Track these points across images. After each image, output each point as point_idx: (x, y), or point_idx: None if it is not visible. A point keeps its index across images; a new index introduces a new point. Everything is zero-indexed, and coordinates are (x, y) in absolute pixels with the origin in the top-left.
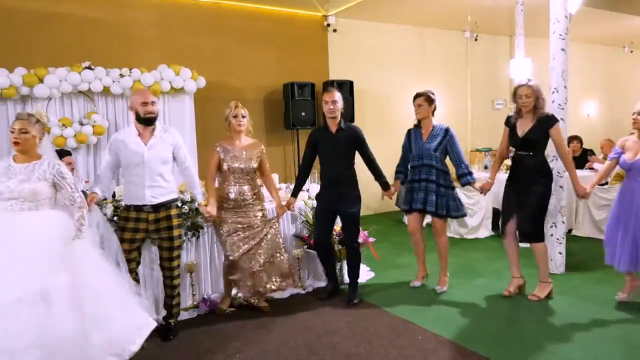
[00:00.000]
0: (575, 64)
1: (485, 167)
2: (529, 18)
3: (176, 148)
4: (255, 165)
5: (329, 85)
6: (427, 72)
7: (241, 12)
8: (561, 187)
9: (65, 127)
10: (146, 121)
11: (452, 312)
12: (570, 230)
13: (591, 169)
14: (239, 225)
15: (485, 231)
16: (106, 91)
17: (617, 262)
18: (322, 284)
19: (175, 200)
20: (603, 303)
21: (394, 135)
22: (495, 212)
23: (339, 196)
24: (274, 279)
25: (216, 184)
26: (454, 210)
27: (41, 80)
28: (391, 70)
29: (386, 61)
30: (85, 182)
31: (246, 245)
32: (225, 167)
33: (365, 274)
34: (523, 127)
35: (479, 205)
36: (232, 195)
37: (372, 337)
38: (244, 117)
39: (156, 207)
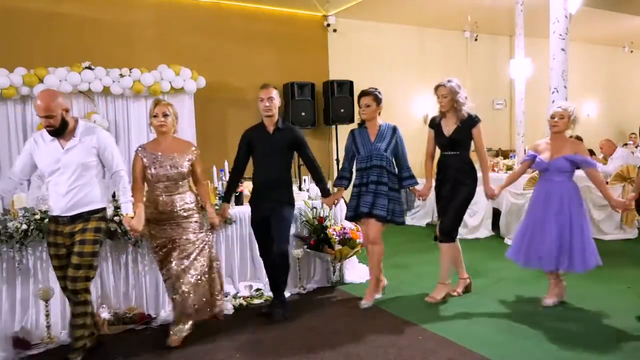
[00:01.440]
0: (575, 64)
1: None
2: (529, 18)
3: (101, 150)
4: (185, 170)
5: (329, 85)
6: (427, 72)
7: (241, 12)
8: None
9: None
10: (49, 133)
11: (452, 312)
12: None
13: None
14: (169, 239)
15: (485, 231)
16: (106, 91)
17: (538, 262)
18: (322, 284)
19: (99, 211)
20: (603, 302)
21: None
22: (495, 212)
23: (273, 201)
24: (204, 300)
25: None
26: (398, 216)
27: (41, 80)
28: (391, 70)
29: (386, 61)
30: None
31: (181, 261)
32: (149, 174)
33: (365, 274)
34: (448, 128)
35: (479, 205)
36: (159, 207)
37: (372, 338)
38: (166, 115)
39: (73, 219)
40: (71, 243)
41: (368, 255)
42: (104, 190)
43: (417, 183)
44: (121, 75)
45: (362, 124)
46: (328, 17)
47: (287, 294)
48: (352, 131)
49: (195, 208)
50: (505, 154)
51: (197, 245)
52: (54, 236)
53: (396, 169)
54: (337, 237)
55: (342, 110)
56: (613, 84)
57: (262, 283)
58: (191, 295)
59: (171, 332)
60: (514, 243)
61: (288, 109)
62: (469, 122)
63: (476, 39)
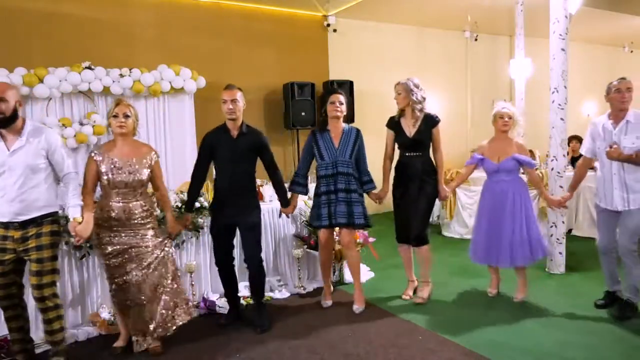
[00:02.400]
0: (575, 64)
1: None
2: (529, 18)
3: (50, 152)
4: (144, 177)
5: (329, 85)
6: (427, 72)
7: (241, 12)
8: (561, 187)
9: (65, 127)
10: None
11: (452, 312)
12: (570, 230)
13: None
14: (125, 247)
15: None
16: (106, 91)
17: (494, 259)
18: (322, 284)
19: (51, 215)
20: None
21: None
22: None
23: (237, 208)
24: (161, 313)
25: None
26: (369, 219)
27: (41, 80)
28: (391, 71)
29: (386, 61)
30: None
31: (129, 269)
32: (105, 180)
33: (366, 274)
34: (409, 129)
35: None
36: (114, 214)
37: (372, 337)
38: (127, 116)
39: (24, 224)
40: (24, 249)
41: (349, 262)
42: (55, 193)
43: (375, 187)
44: (121, 75)
45: (323, 125)
46: (328, 17)
47: (287, 294)
48: (313, 133)
49: (153, 215)
50: None
51: (156, 254)
52: (2, 241)
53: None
54: (337, 237)
55: None
56: None
57: None
58: (150, 305)
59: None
60: (473, 244)
61: (288, 109)
62: (430, 122)
63: (476, 39)
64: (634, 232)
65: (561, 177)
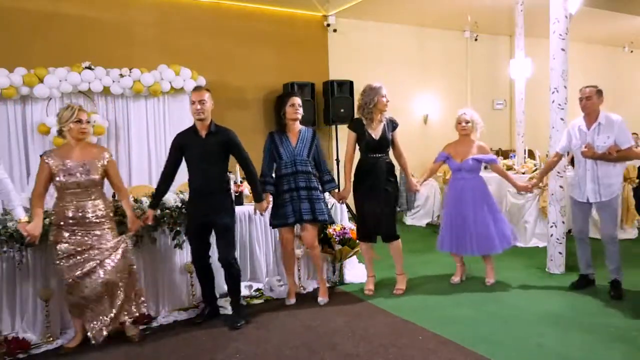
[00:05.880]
0: (575, 64)
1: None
2: (529, 18)
3: None
4: (97, 177)
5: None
6: (427, 72)
7: (241, 12)
8: (561, 187)
9: None
10: None
11: (452, 312)
12: (570, 230)
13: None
14: (78, 248)
15: None
16: (106, 91)
17: (457, 248)
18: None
19: None
20: (603, 303)
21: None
22: None
23: (210, 207)
24: (118, 307)
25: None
26: (330, 215)
27: (41, 80)
28: (391, 71)
29: (386, 61)
30: None
31: (85, 268)
32: (57, 182)
33: (366, 273)
34: (375, 131)
35: None
36: (69, 214)
37: (372, 337)
38: (88, 122)
39: None
40: None
41: (313, 258)
42: None
43: (337, 186)
44: (121, 75)
45: (281, 127)
46: (328, 17)
47: (286, 294)
48: (271, 134)
49: (108, 215)
50: (505, 154)
51: (110, 253)
52: None
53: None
54: (337, 237)
55: (342, 110)
56: (613, 84)
57: (262, 283)
58: (108, 302)
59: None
60: (440, 236)
61: None
62: (393, 125)
63: (476, 39)
64: (610, 221)
65: (561, 177)
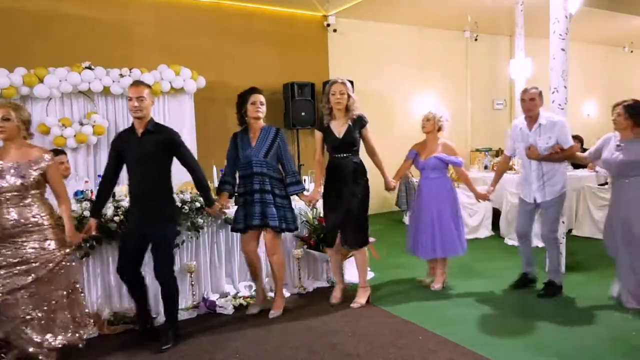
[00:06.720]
0: (575, 64)
1: (485, 167)
2: (529, 18)
3: None
4: (29, 181)
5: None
6: (427, 72)
7: (241, 12)
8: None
9: (65, 127)
10: None
11: (452, 312)
12: (570, 230)
13: (593, 169)
14: (14, 257)
15: (486, 231)
16: (106, 91)
17: (417, 250)
18: (322, 284)
19: None
20: (603, 303)
21: (394, 135)
22: (495, 212)
23: (146, 215)
24: (50, 332)
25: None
26: (291, 222)
27: (41, 80)
28: (391, 70)
29: (386, 61)
30: (86, 182)
31: (29, 284)
32: None
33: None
34: (339, 129)
35: (479, 206)
36: (0, 222)
37: (372, 337)
38: (6, 120)
39: None
40: None
41: (273, 267)
42: None
43: (303, 189)
44: (121, 75)
45: (244, 126)
46: (328, 17)
47: (286, 294)
48: (234, 134)
49: (46, 222)
50: None
51: (49, 266)
52: None
53: (281, 175)
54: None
55: None
56: (613, 84)
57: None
58: (42, 322)
59: None
60: (407, 236)
61: (288, 109)
62: (359, 123)
63: (476, 39)
64: (552, 222)
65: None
